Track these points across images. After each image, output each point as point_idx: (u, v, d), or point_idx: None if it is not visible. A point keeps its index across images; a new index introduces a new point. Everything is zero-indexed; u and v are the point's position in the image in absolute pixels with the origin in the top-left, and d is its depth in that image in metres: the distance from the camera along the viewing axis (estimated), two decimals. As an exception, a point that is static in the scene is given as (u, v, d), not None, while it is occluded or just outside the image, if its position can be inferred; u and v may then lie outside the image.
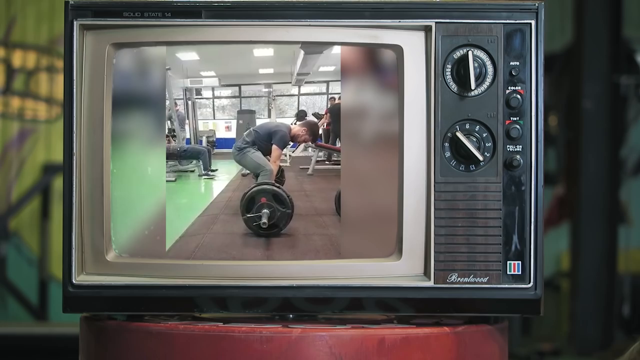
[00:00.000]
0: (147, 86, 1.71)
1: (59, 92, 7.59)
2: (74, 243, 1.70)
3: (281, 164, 1.72)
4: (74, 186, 1.70)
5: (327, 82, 1.70)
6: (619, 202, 6.40)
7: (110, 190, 1.70)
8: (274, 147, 1.71)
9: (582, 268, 6.15)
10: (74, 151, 1.70)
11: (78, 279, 1.70)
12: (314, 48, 1.70)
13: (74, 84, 1.70)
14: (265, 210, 1.70)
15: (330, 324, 1.69)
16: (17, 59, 8.03)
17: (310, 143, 1.71)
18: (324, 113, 1.72)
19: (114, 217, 1.71)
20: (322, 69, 1.70)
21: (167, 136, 1.72)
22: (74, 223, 1.70)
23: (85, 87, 1.70)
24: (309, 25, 1.70)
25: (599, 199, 6.11)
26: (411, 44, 1.69)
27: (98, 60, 1.70)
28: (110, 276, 1.70)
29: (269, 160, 1.71)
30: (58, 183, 7.42)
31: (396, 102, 1.69)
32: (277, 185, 1.71)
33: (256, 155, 1.71)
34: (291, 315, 1.74)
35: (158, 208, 1.71)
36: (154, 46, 1.71)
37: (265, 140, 1.71)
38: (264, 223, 1.70)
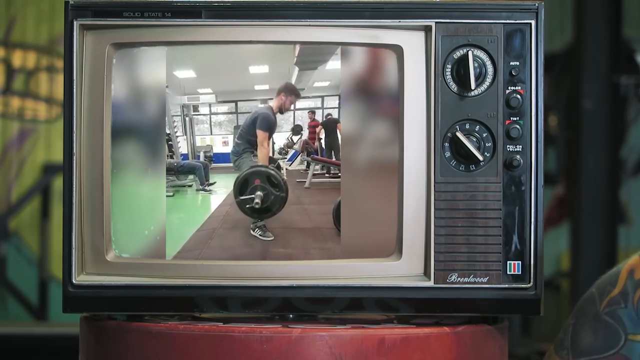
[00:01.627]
0: (147, 103, 1.71)
1: (59, 92, 7.60)
2: (74, 243, 1.70)
3: None
4: (74, 186, 1.70)
5: (322, 97, 1.71)
6: (619, 202, 6.40)
7: (110, 190, 1.70)
8: (258, 131, 1.70)
9: (582, 268, 6.14)
10: (74, 151, 1.70)
11: (78, 279, 1.71)
12: (308, 64, 1.70)
13: (74, 84, 1.70)
14: (258, 192, 1.70)
15: (330, 324, 1.69)
16: (17, 59, 8.03)
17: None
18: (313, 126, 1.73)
19: (114, 217, 1.71)
20: (316, 84, 1.71)
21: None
22: (74, 223, 1.70)
23: (85, 87, 1.70)
24: (309, 25, 1.70)
25: (599, 199, 6.11)
26: (411, 44, 1.69)
27: (98, 60, 1.70)
28: (110, 276, 1.70)
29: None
30: (58, 183, 7.43)
31: (395, 109, 1.69)
32: (272, 167, 1.70)
33: (253, 162, 1.71)
34: (291, 315, 1.74)
35: (158, 208, 1.71)
36: (153, 46, 1.71)
37: (252, 132, 1.71)
38: (257, 203, 1.69)
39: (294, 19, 1.70)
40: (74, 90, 1.70)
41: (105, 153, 1.70)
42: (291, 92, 1.70)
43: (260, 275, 1.70)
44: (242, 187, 1.71)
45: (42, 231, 7.79)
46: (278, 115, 1.72)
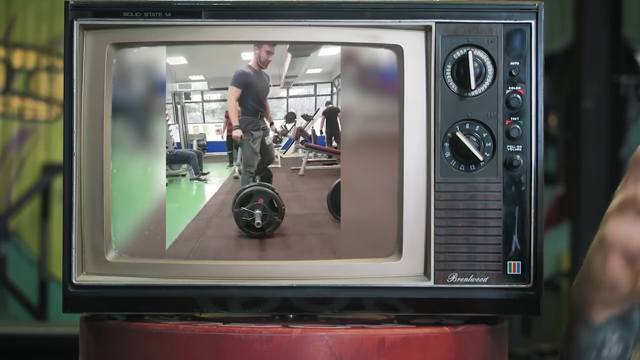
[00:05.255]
0: (147, 90, 1.71)
1: (59, 92, 7.60)
2: (74, 243, 1.70)
3: (272, 166, 1.72)
4: (74, 186, 1.70)
5: (315, 84, 1.71)
6: (619, 202, 6.38)
7: (110, 190, 1.70)
8: (229, 88, 1.69)
9: (582, 268, 6.14)
10: (74, 151, 1.70)
11: (78, 279, 1.70)
12: (301, 51, 1.70)
13: (74, 84, 1.70)
14: (258, 211, 1.71)
15: (330, 324, 1.68)
16: (17, 59, 8.04)
17: (296, 138, 1.71)
18: (312, 115, 1.72)
19: (114, 217, 1.71)
20: (309, 71, 1.71)
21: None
22: (74, 223, 1.70)
23: (85, 87, 1.70)
24: (309, 25, 1.70)
25: (599, 199, 6.11)
26: (411, 44, 1.69)
27: (98, 60, 1.70)
28: (110, 276, 1.70)
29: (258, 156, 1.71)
30: (58, 183, 7.44)
31: (396, 104, 1.69)
32: (277, 192, 1.71)
33: (246, 152, 1.70)
34: (291, 315, 1.74)
35: (158, 208, 1.71)
36: (154, 46, 1.71)
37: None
38: (258, 223, 1.70)
39: (294, 19, 1.70)
40: (74, 90, 1.70)
41: (105, 153, 1.70)
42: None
43: (260, 275, 1.70)
44: (244, 200, 1.71)
45: (42, 231, 7.80)
46: (272, 103, 1.71)
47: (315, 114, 1.72)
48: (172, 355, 1.64)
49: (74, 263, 1.70)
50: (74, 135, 1.70)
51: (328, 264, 1.70)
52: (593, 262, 1.55)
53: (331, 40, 1.70)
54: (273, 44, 1.70)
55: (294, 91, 1.72)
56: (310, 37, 1.70)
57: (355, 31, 1.70)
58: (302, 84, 1.71)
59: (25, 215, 7.82)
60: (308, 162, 1.73)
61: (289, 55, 1.70)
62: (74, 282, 1.70)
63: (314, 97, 1.72)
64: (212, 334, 1.62)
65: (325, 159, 1.72)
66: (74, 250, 1.70)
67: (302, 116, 1.73)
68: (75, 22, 1.70)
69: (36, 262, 7.83)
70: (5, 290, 7.69)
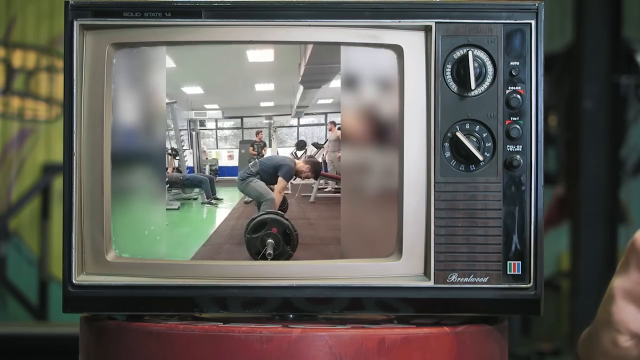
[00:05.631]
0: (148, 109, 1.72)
1: (59, 92, 7.61)
2: (74, 243, 1.70)
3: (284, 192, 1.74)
4: (74, 186, 1.70)
5: (326, 113, 1.72)
6: (619, 202, 6.40)
7: (110, 190, 1.70)
8: (280, 179, 1.73)
9: (582, 268, 6.15)
10: (74, 151, 1.70)
11: (78, 279, 1.71)
12: (312, 83, 1.71)
13: (74, 84, 1.70)
14: (270, 240, 1.71)
15: (330, 324, 1.69)
16: (17, 59, 8.04)
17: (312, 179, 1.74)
18: (323, 143, 1.73)
19: (114, 217, 1.71)
20: (320, 101, 1.72)
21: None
22: (74, 223, 1.70)
23: (85, 87, 1.70)
24: (309, 25, 1.70)
25: (599, 199, 6.11)
26: (411, 44, 1.69)
27: (98, 60, 1.70)
28: (110, 276, 1.70)
29: (271, 190, 1.73)
30: (58, 183, 7.44)
31: (396, 106, 1.69)
32: (292, 222, 1.71)
33: (258, 184, 1.73)
34: (291, 315, 1.74)
35: (158, 208, 1.72)
36: (153, 46, 1.71)
37: (271, 173, 1.73)
38: (270, 254, 1.71)
39: (294, 19, 1.70)
40: (74, 90, 1.70)
41: (105, 153, 1.70)
42: (314, 172, 1.73)
43: (260, 275, 1.70)
44: (257, 227, 1.72)
45: (42, 231, 7.80)
46: (282, 131, 1.73)
47: (325, 142, 1.73)
48: (172, 355, 1.64)
49: (74, 263, 1.70)
50: (74, 135, 1.70)
51: (328, 264, 1.70)
52: (602, 337, 1.57)
53: (331, 40, 1.70)
54: (315, 177, 1.73)
55: (304, 120, 1.73)
56: (310, 37, 1.70)
57: (355, 31, 1.70)
58: (312, 114, 1.72)
59: (25, 215, 7.82)
60: (319, 190, 1.73)
61: (301, 87, 1.71)
62: (74, 282, 1.70)
63: (325, 126, 1.73)
64: (212, 334, 1.63)
65: (337, 186, 1.73)
66: (74, 250, 1.70)
67: (312, 144, 1.73)
68: (75, 22, 1.70)
69: (36, 262, 7.83)
70: (5, 290, 7.69)
